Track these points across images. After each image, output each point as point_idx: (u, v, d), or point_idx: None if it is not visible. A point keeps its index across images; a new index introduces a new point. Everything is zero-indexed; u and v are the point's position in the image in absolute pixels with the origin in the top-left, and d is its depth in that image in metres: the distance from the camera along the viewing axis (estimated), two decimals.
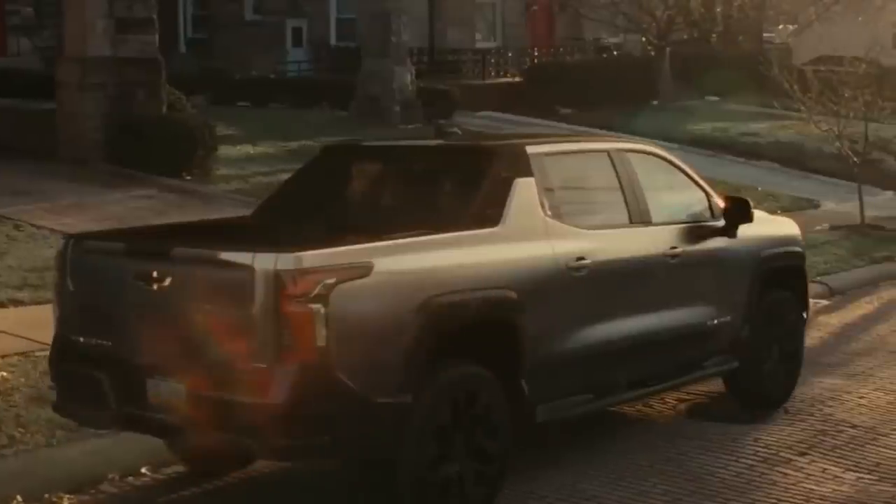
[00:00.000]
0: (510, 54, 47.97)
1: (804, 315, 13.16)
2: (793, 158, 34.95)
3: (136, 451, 10.23)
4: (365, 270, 8.28)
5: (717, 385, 13.09)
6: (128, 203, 22.30)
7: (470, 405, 8.91)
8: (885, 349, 15.52)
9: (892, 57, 47.03)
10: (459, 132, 11.81)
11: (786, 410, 12.46)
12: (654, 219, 11.02)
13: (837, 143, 28.10)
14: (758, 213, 12.27)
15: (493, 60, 46.94)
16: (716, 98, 47.52)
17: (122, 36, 25.89)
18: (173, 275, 8.57)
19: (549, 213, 9.93)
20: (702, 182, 11.93)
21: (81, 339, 9.18)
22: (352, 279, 8.19)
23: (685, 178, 11.77)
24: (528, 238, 9.66)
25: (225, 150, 27.30)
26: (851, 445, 11.47)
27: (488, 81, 45.21)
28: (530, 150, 10.24)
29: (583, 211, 10.56)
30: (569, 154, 10.88)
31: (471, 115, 38.67)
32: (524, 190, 9.81)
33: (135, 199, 22.74)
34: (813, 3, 54.17)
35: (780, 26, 66.10)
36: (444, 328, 8.78)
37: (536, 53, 48.97)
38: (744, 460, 10.92)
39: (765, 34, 59.92)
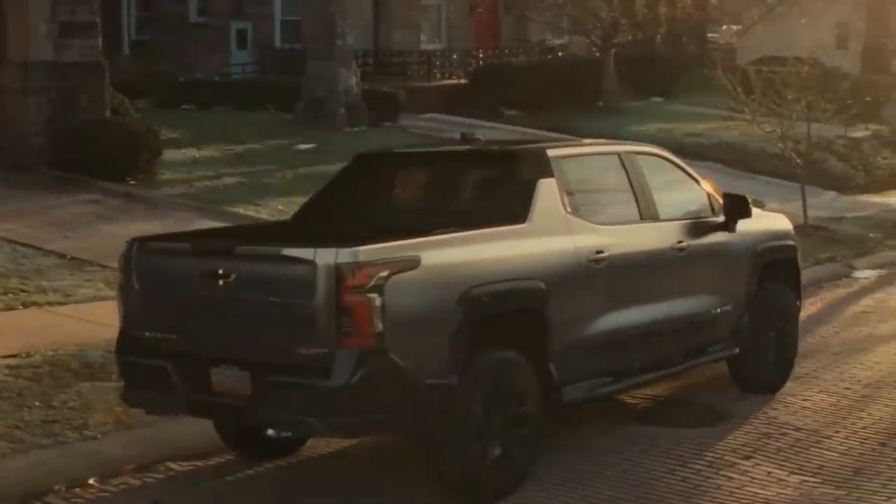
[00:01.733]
0: (455, 56, 47.97)
1: (798, 304, 13.94)
2: (737, 159, 35.18)
3: (82, 462, 10.20)
4: (414, 263, 9.15)
5: (662, 389, 13.18)
6: (72, 208, 22.18)
7: (506, 385, 9.80)
8: (829, 351, 15.64)
9: (835, 58, 47.40)
10: (482, 138, 12.73)
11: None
12: (662, 215, 11.92)
13: (781, 144, 28.32)
14: (754, 210, 13.04)
15: (438, 62, 46.93)
16: (660, 99, 47.76)
17: (65, 40, 25.72)
18: (237, 271, 9.39)
19: (569, 210, 10.83)
20: (702, 180, 12.76)
21: (147, 334, 9.96)
22: (402, 271, 9.05)
23: (687, 177, 12.63)
24: (552, 233, 10.55)
25: (170, 154, 27.18)
26: (795, 448, 11.54)
27: (433, 83, 45.20)
28: (551, 153, 11.16)
29: (598, 208, 11.38)
30: (584, 156, 11.88)
31: (416, 118, 38.67)
32: (547, 190, 10.71)
33: (79, 205, 22.61)
34: (756, 4, 54.49)
35: (724, 27, 66.54)
36: (483, 316, 9.59)
37: (481, 55, 48.97)
38: (690, 465, 10.97)
39: (709, 35, 60.26)
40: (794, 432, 12.03)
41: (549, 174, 10.83)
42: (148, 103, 36.69)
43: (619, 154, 11.98)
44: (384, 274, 8.93)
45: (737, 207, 12.65)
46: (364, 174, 11.98)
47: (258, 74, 47.39)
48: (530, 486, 10.25)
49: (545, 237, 10.46)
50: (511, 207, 10.55)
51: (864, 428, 12.30)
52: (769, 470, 10.89)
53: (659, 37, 50.81)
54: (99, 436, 10.84)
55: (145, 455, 10.69)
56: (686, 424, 12.19)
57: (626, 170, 11.78)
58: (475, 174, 11.69)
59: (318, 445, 11.30)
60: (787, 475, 10.78)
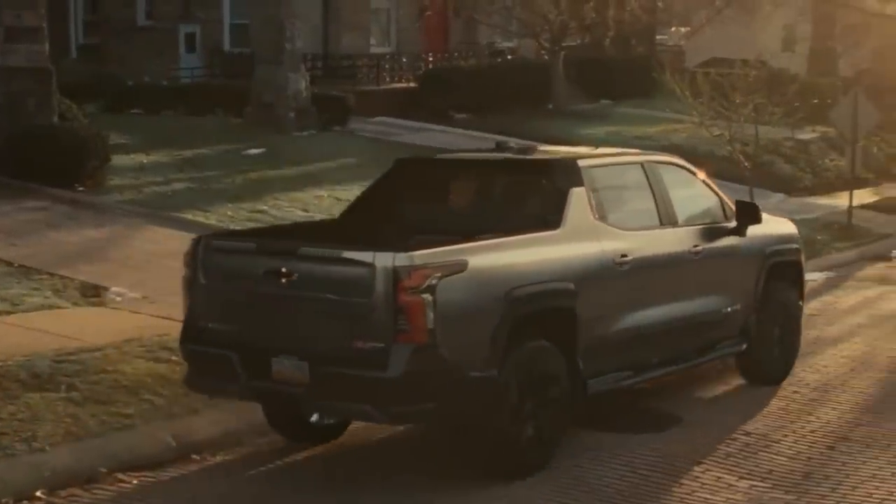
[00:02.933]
0: (405, 60, 47.87)
1: (800, 303, 14.82)
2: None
3: (31, 475, 10.15)
4: (462, 266, 10.04)
5: (613, 395, 13.22)
6: (18, 216, 21.99)
7: (539, 374, 10.70)
8: None
9: (782, 60, 47.74)
10: (515, 146, 13.35)
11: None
12: (680, 221, 12.82)
13: (729, 147, 28.48)
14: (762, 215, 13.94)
15: (387, 66, 46.83)
16: (610, 102, 47.84)
17: (11, 45, 25.50)
18: (299, 270, 10.24)
19: (597, 216, 11.70)
20: (716, 188, 13.76)
21: (210, 325, 10.84)
22: (452, 274, 9.94)
23: (703, 185, 13.58)
24: (582, 239, 11.41)
25: (118, 160, 26.97)
26: (745, 453, 11.63)
27: (383, 87, 45.09)
28: (581, 163, 11.99)
29: (623, 215, 12.21)
30: (610, 166, 12.64)
31: (366, 121, 38.58)
32: (578, 198, 11.58)
33: (26, 212, 22.42)
34: (704, 7, 54.74)
35: (673, 28, 66.76)
36: (521, 314, 10.48)
37: (431, 59, 48.94)
38: (640, 470, 11.02)
39: (658, 37, 60.42)
40: (743, 437, 12.11)
41: (580, 183, 11.67)
42: (96, 108, 36.41)
43: (641, 164, 12.86)
44: (436, 276, 9.81)
45: (748, 213, 13.57)
46: (404, 179, 12.87)
47: (207, 78, 47.12)
48: (477, 491, 10.28)
49: (576, 242, 11.32)
50: (545, 214, 11.46)
51: (812, 431, 12.40)
52: (719, 475, 10.96)
53: (608, 39, 50.97)
54: (48, 447, 10.74)
55: (95, 467, 10.63)
56: (637, 430, 12.25)
57: (647, 178, 12.64)
58: (510, 181, 12.60)
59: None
60: (737, 480, 10.86)
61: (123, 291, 17.11)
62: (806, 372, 14.94)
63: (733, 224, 13.50)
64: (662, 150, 36.34)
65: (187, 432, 11.63)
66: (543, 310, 10.89)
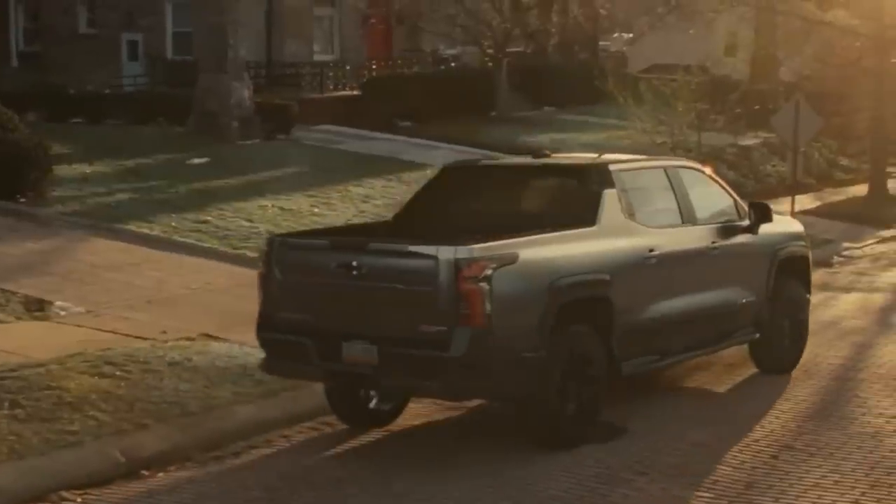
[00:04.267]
0: (348, 67, 47.82)
1: (808, 296, 15.89)
2: None
3: None
4: (514, 259, 11.27)
5: None
6: None
7: (579, 354, 11.88)
8: (720, 363, 15.79)
9: (725, 66, 48.02)
10: (550, 153, 14.83)
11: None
12: (699, 220, 14.03)
13: (672, 153, 28.61)
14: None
15: (331, 74, 46.75)
16: (553, 108, 48.00)
17: None
18: (369, 263, 11.46)
19: (626, 215, 12.93)
20: (731, 190, 14.99)
21: (285, 314, 12.01)
22: (505, 265, 11.16)
23: (719, 187, 14.82)
24: (614, 235, 12.61)
25: (60, 171, 26.83)
26: (689, 463, 11.65)
27: (327, 95, 45.02)
28: (612, 168, 13.25)
29: (650, 214, 13.38)
30: (638, 170, 13.83)
31: (310, 129, 38.55)
32: (610, 198, 12.81)
33: None
34: (646, 13, 55.00)
35: (616, 35, 67.10)
36: (564, 301, 11.67)
37: (374, 66, 48.91)
38: (586, 482, 11.04)
39: (601, 43, 60.70)
40: (687, 446, 12.15)
41: (612, 185, 12.93)
42: (37, 117, 36.19)
43: (664, 168, 14.21)
44: (492, 267, 11.04)
45: (760, 213, 14.76)
46: (450, 182, 14.21)
47: (150, 87, 46.94)
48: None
49: (609, 238, 12.54)
50: (582, 213, 12.61)
51: (756, 440, 12.45)
52: (664, 486, 10.99)
53: (551, 47, 51.18)
54: None
55: (38, 485, 10.56)
56: (581, 441, 12.25)
57: (670, 181, 13.92)
58: (549, 184, 13.99)
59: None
60: (682, 490, 10.88)
61: (67, 305, 17.04)
62: (749, 380, 15.02)
63: (747, 223, 14.65)
64: None
65: (136, 448, 11.58)
66: (583, 298, 12.06)
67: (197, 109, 36.15)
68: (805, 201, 32.57)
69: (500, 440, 12.30)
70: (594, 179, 13.10)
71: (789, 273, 15.29)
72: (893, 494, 10.81)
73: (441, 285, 11.04)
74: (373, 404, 12.77)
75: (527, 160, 14.61)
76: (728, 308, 14.24)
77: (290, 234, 13.39)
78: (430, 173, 31.61)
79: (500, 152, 36.64)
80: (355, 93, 44.83)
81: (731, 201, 14.79)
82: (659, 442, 12.26)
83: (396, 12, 50.56)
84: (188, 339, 15.37)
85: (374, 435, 12.71)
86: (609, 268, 12.33)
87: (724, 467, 11.57)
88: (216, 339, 15.47)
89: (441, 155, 35.63)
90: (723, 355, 16.21)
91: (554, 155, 15.25)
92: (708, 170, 15.17)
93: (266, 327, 12.25)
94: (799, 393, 14.54)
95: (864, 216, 31.55)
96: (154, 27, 50.11)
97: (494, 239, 11.41)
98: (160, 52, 49.95)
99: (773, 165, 39.14)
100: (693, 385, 14.65)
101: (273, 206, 25.43)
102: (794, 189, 29.85)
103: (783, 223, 15.84)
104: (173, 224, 23.01)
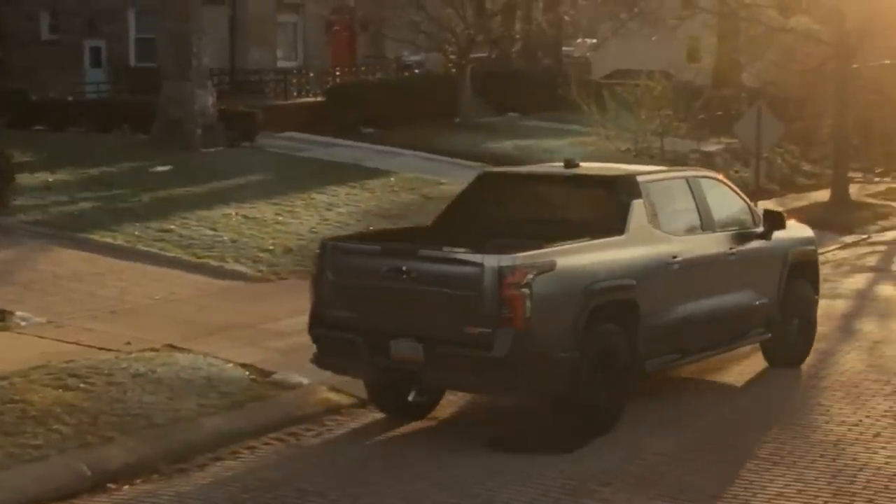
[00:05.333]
0: (312, 74, 47.79)
1: (816, 297, 16.72)
2: None
3: None
4: (552, 266, 12.13)
5: (523, 419, 13.30)
6: None
7: (609, 352, 12.70)
8: (683, 372, 15.84)
9: (688, 72, 48.16)
10: (578, 163, 15.42)
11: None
12: (717, 227, 14.86)
13: (635, 160, 28.71)
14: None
15: (295, 80, 46.72)
16: (517, 115, 48.05)
17: None
18: (418, 268, 12.33)
19: (652, 224, 13.74)
20: (746, 198, 15.88)
21: (336, 313, 12.90)
22: (544, 272, 12.03)
23: (736, 196, 15.68)
24: (641, 243, 13.44)
25: (22, 179, 26.60)
26: (654, 473, 11.72)
27: (291, 102, 44.98)
28: (639, 178, 14.11)
29: (672, 222, 14.21)
30: (662, 181, 14.60)
31: (274, 137, 38.48)
32: (638, 208, 13.64)
33: None
34: (609, 19, 55.14)
35: (579, 40, 67.20)
36: (596, 305, 12.52)
37: (338, 73, 48.88)
38: (551, 493, 11.08)
39: (564, 48, 60.81)
40: (652, 456, 12.20)
41: (639, 195, 13.75)
42: None
43: (686, 178, 15.05)
44: (532, 274, 11.90)
45: (774, 221, 15.66)
46: (486, 190, 14.98)
47: (113, 94, 46.76)
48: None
49: (636, 246, 13.35)
50: (611, 222, 13.43)
51: (719, 450, 12.51)
52: (629, 496, 11.04)
53: (514, 52, 51.25)
54: None
55: (3, 501, 10.52)
56: (546, 452, 12.30)
57: (691, 191, 14.74)
58: (579, 193, 14.72)
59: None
60: (646, 501, 10.95)
61: (29, 316, 16.94)
62: (712, 388, 15.09)
63: (761, 229, 15.49)
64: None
65: (102, 461, 11.56)
66: (612, 301, 12.86)
67: (160, 117, 36.02)
68: (768, 207, 32.59)
69: (465, 452, 12.33)
70: (623, 190, 13.87)
71: (799, 275, 16.11)
72: (856, 503, 10.89)
73: (486, 290, 11.90)
74: (411, 397, 13.49)
75: (558, 170, 15.27)
76: (743, 310, 15.02)
77: (341, 238, 14.33)
78: (394, 180, 31.78)
79: (465, 160, 36.82)
80: (319, 100, 44.80)
81: (746, 209, 15.66)
82: (623, 452, 12.31)
83: (360, 19, 50.57)
84: (152, 350, 15.32)
85: (338, 446, 12.72)
86: (636, 273, 13.16)
87: (688, 476, 11.63)
88: (180, 349, 15.43)
89: (405, 162, 35.68)
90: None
91: (582, 164, 15.69)
92: (725, 179, 16.07)
93: (318, 325, 13.12)
94: (762, 401, 14.63)
95: (827, 222, 31.66)
96: (117, 34, 49.94)
97: (534, 248, 12.28)
98: (123, 58, 49.80)
99: (736, 171, 39.22)
100: (655, 394, 14.69)
101: (237, 214, 25.36)
102: (756, 195, 29.84)
103: (794, 228, 16.50)
104: (137, 233, 22.92)
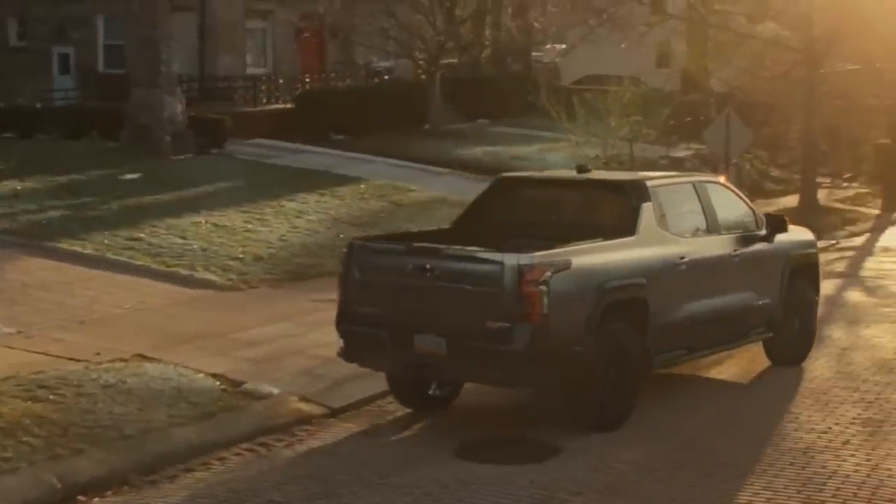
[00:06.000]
0: (282, 81, 47.69)
1: (817, 298, 17.31)
2: None
3: None
4: (567, 265, 12.80)
5: (490, 425, 13.31)
6: None
7: (620, 349, 13.33)
8: (651, 384, 15.87)
9: (657, 77, 48.29)
10: (591, 168, 16.32)
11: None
12: (722, 230, 15.49)
13: (605, 167, 28.78)
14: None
15: (264, 87, 46.62)
16: (486, 121, 48.07)
17: None
18: (441, 266, 13.00)
19: (661, 226, 14.38)
20: (750, 203, 16.52)
21: (362, 309, 13.53)
22: (560, 270, 12.70)
23: (740, 200, 16.29)
24: (650, 244, 14.09)
25: None
26: (624, 482, 11.74)
27: (260, 108, 44.87)
28: (648, 183, 14.74)
29: (680, 224, 14.84)
30: (670, 185, 15.26)
31: (243, 143, 38.43)
32: (647, 211, 14.27)
33: None
34: (578, 24, 55.20)
35: (549, 46, 67.30)
36: (608, 303, 13.17)
37: (308, 79, 48.79)
38: (521, 503, 11.08)
39: (534, 54, 60.88)
40: (622, 465, 12.22)
41: (648, 199, 14.38)
42: None
43: (693, 183, 15.73)
44: (549, 272, 12.56)
45: (776, 224, 16.25)
46: (503, 193, 15.71)
47: (82, 100, 46.60)
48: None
49: (646, 247, 13.99)
50: (623, 224, 14.10)
51: (689, 458, 12.52)
52: None
53: (484, 58, 51.27)
54: None
55: None
56: (516, 461, 12.34)
57: (697, 195, 15.36)
58: (592, 197, 15.40)
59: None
60: None
61: None
62: (681, 396, 15.12)
63: (763, 232, 16.07)
64: (540, 170, 36.80)
65: (72, 473, 11.53)
66: (624, 299, 13.47)
67: (129, 124, 35.93)
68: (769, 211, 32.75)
69: (435, 462, 12.34)
70: (633, 194, 14.55)
71: (800, 277, 16.70)
72: None
73: (506, 287, 12.56)
74: (431, 390, 14.22)
75: (571, 174, 15.94)
76: (746, 309, 15.60)
77: (368, 238, 14.94)
78: (363, 187, 31.78)
79: (435, 166, 36.87)
80: (289, 106, 44.71)
81: (749, 212, 16.26)
82: (593, 461, 12.33)
83: (329, 25, 50.48)
84: (122, 360, 15.29)
85: (309, 457, 12.71)
86: (645, 273, 13.79)
87: (658, 485, 11.66)
88: (150, 359, 15.40)
89: (374, 169, 35.68)
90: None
91: (594, 171, 16.52)
92: (729, 184, 16.82)
93: (345, 320, 13.75)
94: (731, 408, 14.67)
95: None
96: (86, 40, 49.79)
97: (551, 248, 12.93)
98: (92, 65, 49.65)
99: None
100: None
101: (206, 222, 25.32)
102: None
103: (795, 232, 17.07)
104: (106, 242, 22.87)
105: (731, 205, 16.04)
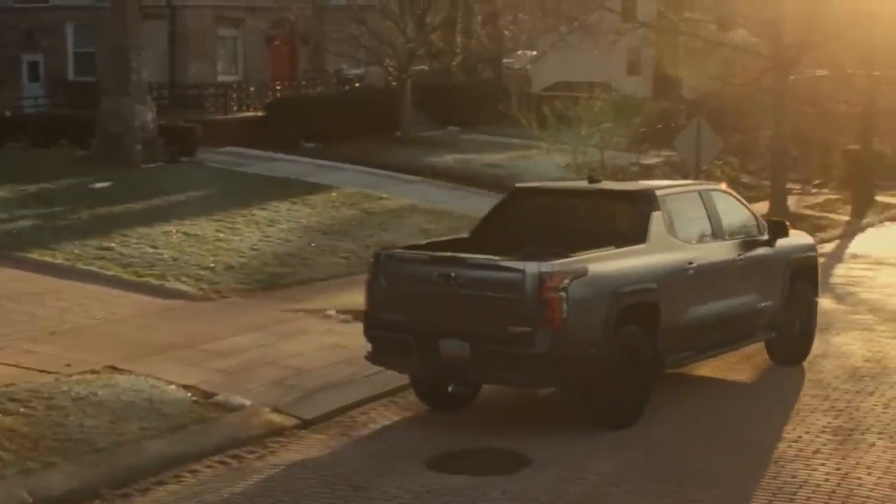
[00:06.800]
0: (252, 88, 47.64)
1: (816, 300, 18.01)
2: None
3: None
4: (584, 272, 13.48)
5: (461, 436, 13.32)
6: None
7: (633, 350, 13.97)
8: None
9: (628, 83, 48.41)
10: (601, 179, 17.43)
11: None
12: (727, 235, 16.16)
13: (576, 176, 28.83)
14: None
15: (235, 95, 46.55)
16: (457, 128, 48.09)
17: None
18: (465, 274, 13.66)
19: (670, 233, 15.06)
20: (752, 209, 17.27)
21: (389, 316, 14.19)
22: (578, 277, 13.36)
23: (742, 207, 16.99)
24: (660, 251, 14.75)
25: None
26: (595, 493, 11.75)
27: (231, 116, 44.82)
28: (658, 193, 15.46)
29: (687, 231, 15.52)
30: (677, 194, 15.94)
31: (214, 151, 38.36)
32: (657, 219, 14.97)
33: None
34: (549, 31, 55.26)
35: (520, 52, 67.33)
36: (623, 307, 13.84)
37: (279, 87, 48.73)
38: None
39: (505, 60, 60.93)
40: (593, 476, 12.23)
41: (658, 208, 15.07)
42: None
43: (699, 192, 16.39)
44: (568, 279, 13.24)
45: (778, 230, 16.99)
46: (520, 202, 16.46)
47: (52, 108, 46.42)
48: None
49: (657, 253, 14.66)
50: (634, 232, 14.81)
51: (659, 468, 12.55)
52: None
53: (455, 64, 51.28)
54: None
55: None
56: (488, 472, 12.35)
57: (703, 203, 16.06)
58: (604, 206, 16.07)
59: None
60: None
61: None
62: (652, 407, 15.13)
63: (766, 237, 16.76)
64: (511, 178, 36.79)
65: (43, 487, 11.48)
66: (637, 303, 14.13)
67: (100, 132, 35.84)
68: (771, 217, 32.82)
69: (407, 473, 12.34)
70: (643, 203, 15.22)
71: (800, 279, 17.38)
72: None
73: (527, 294, 13.21)
74: (450, 388, 14.76)
75: (584, 185, 16.82)
76: (750, 311, 16.28)
77: (394, 248, 15.54)
78: (335, 195, 31.75)
79: (406, 174, 36.88)
80: (260, 114, 44.65)
81: (752, 218, 16.95)
82: (565, 472, 12.34)
83: (300, 33, 50.43)
84: (93, 372, 15.24)
85: (281, 468, 12.69)
86: (656, 278, 14.44)
87: (629, 496, 11.69)
88: (122, 371, 15.35)
89: (346, 177, 35.67)
90: None
91: (604, 182, 17.46)
92: (733, 192, 17.47)
93: (373, 326, 14.41)
94: (701, 419, 14.69)
95: None
96: (55, 48, 49.68)
97: (568, 256, 13.60)
98: (62, 73, 49.52)
99: None
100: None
101: (178, 231, 25.28)
102: None
103: (795, 236, 17.87)
104: (76, 252, 22.81)
105: (734, 211, 16.71)
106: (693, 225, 15.77)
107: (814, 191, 45.44)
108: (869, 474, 12.33)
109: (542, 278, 13.15)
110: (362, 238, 26.46)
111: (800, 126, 44.29)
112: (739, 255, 16.17)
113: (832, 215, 38.59)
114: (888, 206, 43.11)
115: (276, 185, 33.08)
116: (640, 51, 52.67)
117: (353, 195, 32.22)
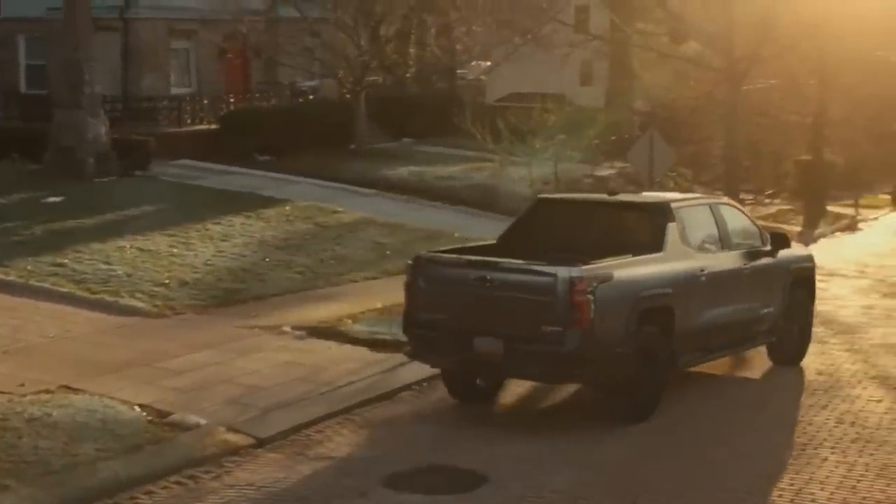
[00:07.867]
0: (206, 101, 47.43)
1: (812, 306, 19.22)
2: (488, 201, 35.28)
3: None
4: (610, 277, 14.62)
5: (421, 458, 13.34)
6: None
7: (651, 350, 15.07)
8: (579, 403, 15.97)
9: (582, 94, 48.57)
10: (618, 191, 19.05)
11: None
12: (733, 246, 17.35)
13: (529, 188, 28.92)
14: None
15: (188, 107, 46.32)
16: (412, 140, 48.11)
17: None
18: (500, 277, 14.78)
19: (684, 243, 16.22)
20: (756, 221, 18.79)
21: (427, 315, 15.38)
22: (605, 282, 14.49)
23: (747, 219, 18.42)
24: (676, 259, 15.90)
25: None
26: None
27: (185, 129, 44.56)
28: (673, 205, 16.66)
29: (699, 241, 16.72)
30: (690, 206, 17.13)
31: (168, 165, 38.15)
32: (672, 229, 16.16)
33: None
34: (502, 43, 55.41)
35: (474, 63, 67.44)
36: (643, 310, 14.99)
37: (233, 99, 48.55)
38: None
39: (459, 71, 61.02)
40: (550, 494, 12.27)
41: (673, 219, 16.27)
42: None
43: (709, 205, 17.74)
44: (596, 283, 14.35)
45: (780, 241, 18.22)
46: (543, 212, 17.57)
47: (3, 121, 46.01)
48: None
49: (672, 261, 15.81)
50: (651, 241, 15.96)
51: (616, 485, 12.62)
52: None
53: (409, 76, 51.31)
54: None
55: None
56: (446, 490, 12.37)
57: (713, 215, 17.31)
58: (623, 217, 17.22)
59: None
60: None
61: None
62: (606, 421, 15.20)
63: (769, 248, 17.95)
64: (465, 190, 36.92)
65: None
66: (655, 307, 15.24)
67: (52, 146, 35.59)
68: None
69: (362, 492, 12.34)
70: (659, 214, 16.41)
71: (799, 288, 18.62)
72: None
73: (559, 296, 14.30)
74: (478, 381, 16.06)
75: (604, 197, 18.00)
76: (753, 316, 17.45)
77: (434, 252, 16.49)
78: (289, 209, 31.69)
79: (360, 186, 36.86)
80: (213, 127, 44.41)
81: (756, 230, 18.20)
82: (521, 489, 12.37)
83: (253, 45, 50.23)
84: (47, 391, 15.15)
85: (237, 488, 12.65)
86: (672, 284, 15.59)
87: None
88: (76, 391, 15.27)
89: (300, 190, 35.61)
90: (579, 394, 16.44)
91: (622, 194, 18.77)
92: (739, 205, 19.19)
93: (412, 325, 15.58)
94: (659, 433, 14.75)
95: None
96: (6, 60, 49.29)
97: (595, 262, 14.71)
98: (13, 85, 49.15)
99: None
100: (549, 428, 14.83)
101: (131, 246, 25.15)
102: None
103: (795, 248, 19.39)
104: (29, 268, 22.68)
105: (740, 223, 17.98)
106: (704, 235, 16.92)
107: (766, 201, 45.76)
108: (822, 489, 12.43)
109: (572, 282, 14.21)
110: (317, 252, 26.43)
111: (752, 137, 44.60)
112: (745, 264, 17.30)
113: (785, 226, 38.75)
114: (840, 216, 43.50)
115: (230, 198, 32.96)
116: (592, 63, 52.90)
117: (307, 208, 32.16)
